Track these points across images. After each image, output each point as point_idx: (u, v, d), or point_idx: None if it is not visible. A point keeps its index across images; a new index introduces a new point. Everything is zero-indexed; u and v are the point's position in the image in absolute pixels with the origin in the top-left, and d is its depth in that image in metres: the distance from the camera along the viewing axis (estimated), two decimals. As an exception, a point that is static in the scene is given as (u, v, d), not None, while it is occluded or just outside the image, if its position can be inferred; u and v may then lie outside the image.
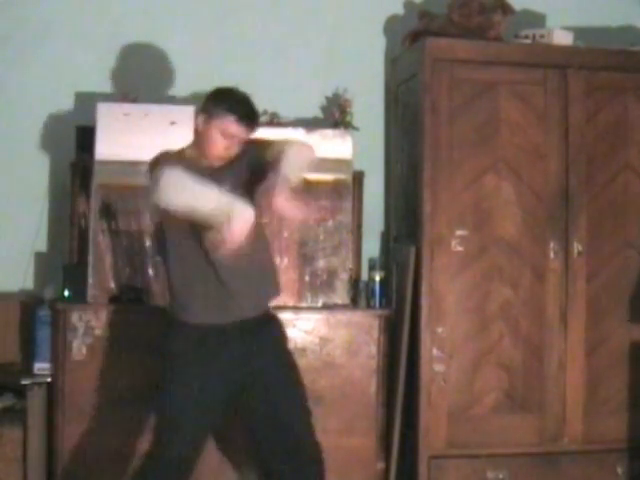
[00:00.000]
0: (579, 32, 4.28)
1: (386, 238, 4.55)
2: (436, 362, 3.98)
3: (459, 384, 4.02)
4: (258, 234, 3.00)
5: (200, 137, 3.14)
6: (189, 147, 3.20)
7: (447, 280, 4.01)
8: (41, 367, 3.88)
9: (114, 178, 3.97)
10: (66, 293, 3.95)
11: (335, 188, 4.14)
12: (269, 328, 3.25)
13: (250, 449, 3.40)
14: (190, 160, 3.10)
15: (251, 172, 3.08)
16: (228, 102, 3.10)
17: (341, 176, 4.14)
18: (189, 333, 3.13)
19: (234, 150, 3.10)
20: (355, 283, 4.18)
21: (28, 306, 4.07)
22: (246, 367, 3.15)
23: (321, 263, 4.10)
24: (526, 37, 4.20)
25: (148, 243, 3.98)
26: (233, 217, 2.77)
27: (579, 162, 4.12)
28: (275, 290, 3.31)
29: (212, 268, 3.05)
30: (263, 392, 3.18)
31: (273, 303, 3.33)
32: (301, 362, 3.92)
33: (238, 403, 3.23)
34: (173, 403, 3.12)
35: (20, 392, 3.88)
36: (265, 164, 3.01)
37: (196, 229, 2.96)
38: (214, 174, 3.02)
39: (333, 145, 4.12)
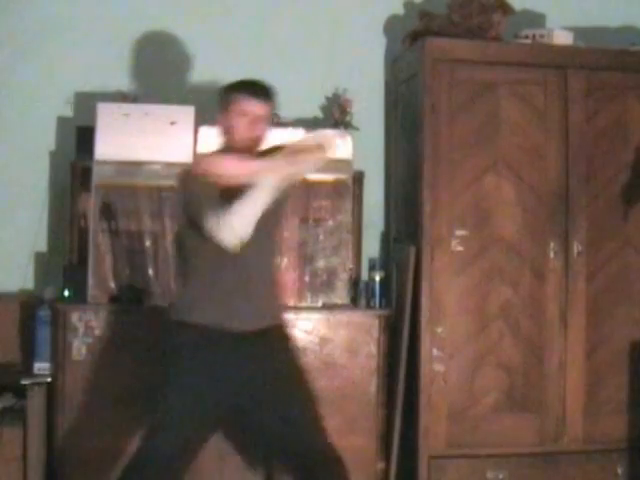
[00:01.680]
0: (579, 32, 4.28)
1: (386, 238, 4.55)
2: (436, 362, 3.98)
3: (459, 384, 4.02)
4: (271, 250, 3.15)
5: (225, 132, 3.16)
6: (219, 148, 3.19)
7: (447, 280, 4.01)
8: (41, 367, 3.88)
9: (114, 178, 3.97)
10: (66, 293, 3.95)
11: (335, 188, 4.14)
12: (275, 341, 3.19)
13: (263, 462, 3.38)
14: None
15: None
16: (236, 86, 3.17)
17: (341, 176, 4.13)
18: (193, 335, 3.10)
19: (260, 130, 3.12)
20: (355, 283, 4.18)
21: (28, 306, 4.07)
22: (245, 378, 3.11)
23: (321, 263, 4.10)
24: (526, 37, 4.20)
25: (148, 243, 3.98)
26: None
27: (579, 162, 4.12)
28: (279, 313, 3.28)
29: (231, 271, 3.07)
30: (265, 405, 3.13)
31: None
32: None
33: (241, 416, 3.20)
34: (168, 402, 3.11)
35: (20, 392, 3.88)
36: None
37: None
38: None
39: (333, 145, 4.12)
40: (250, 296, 3.11)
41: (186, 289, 3.20)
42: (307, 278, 4.10)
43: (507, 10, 4.14)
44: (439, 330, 3.99)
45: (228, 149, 3.15)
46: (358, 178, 4.25)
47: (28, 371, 3.90)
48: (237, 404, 3.14)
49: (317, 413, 3.21)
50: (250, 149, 3.12)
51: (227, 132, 3.16)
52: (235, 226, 2.93)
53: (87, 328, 3.83)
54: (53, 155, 4.34)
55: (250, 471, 3.89)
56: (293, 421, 3.14)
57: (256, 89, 3.15)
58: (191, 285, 3.16)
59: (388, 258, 4.41)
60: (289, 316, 3.92)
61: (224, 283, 3.09)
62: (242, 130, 3.11)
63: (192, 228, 3.07)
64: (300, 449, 3.14)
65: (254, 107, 3.11)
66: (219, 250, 2.99)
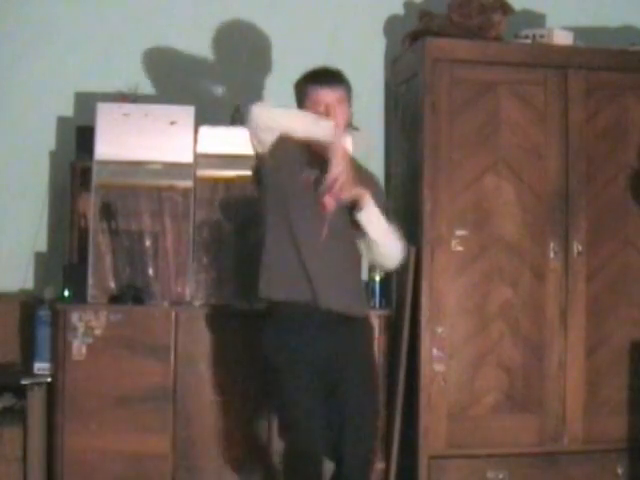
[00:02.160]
0: (579, 32, 4.28)
1: (386, 238, 4.54)
2: (436, 362, 3.98)
3: (459, 384, 4.02)
4: (349, 241, 3.16)
5: None
6: None
7: (447, 280, 4.01)
8: (41, 367, 3.89)
9: (114, 178, 3.97)
10: (66, 293, 3.95)
11: (335, 188, 4.13)
12: (353, 330, 3.21)
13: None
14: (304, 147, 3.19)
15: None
16: (304, 78, 3.25)
17: (341, 176, 4.12)
18: (278, 317, 3.15)
19: (339, 115, 3.17)
20: (355, 283, 4.18)
21: (28, 306, 4.07)
22: (329, 361, 3.14)
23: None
24: (526, 37, 4.20)
25: (148, 243, 3.98)
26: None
27: (579, 162, 4.12)
28: (361, 306, 3.29)
29: (295, 247, 3.11)
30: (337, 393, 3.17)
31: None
32: (301, 362, 3.93)
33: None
34: (281, 399, 3.17)
35: (20, 392, 3.89)
36: None
37: (290, 204, 3.11)
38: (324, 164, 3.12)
39: (333, 145, 4.11)
40: (330, 280, 3.13)
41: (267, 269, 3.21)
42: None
43: (507, 10, 4.14)
44: (439, 330, 3.99)
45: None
46: (358, 178, 4.24)
47: (28, 371, 3.91)
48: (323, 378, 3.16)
49: (376, 417, 3.27)
50: None
51: None
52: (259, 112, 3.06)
53: (87, 328, 3.83)
54: (53, 155, 4.35)
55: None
56: (353, 416, 3.15)
57: (323, 77, 3.21)
58: (272, 264, 3.19)
59: (388, 258, 4.40)
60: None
61: (299, 263, 3.12)
62: None
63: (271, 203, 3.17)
64: (347, 447, 3.15)
65: (326, 95, 3.17)
66: (297, 233, 3.10)
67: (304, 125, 3.08)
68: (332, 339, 3.14)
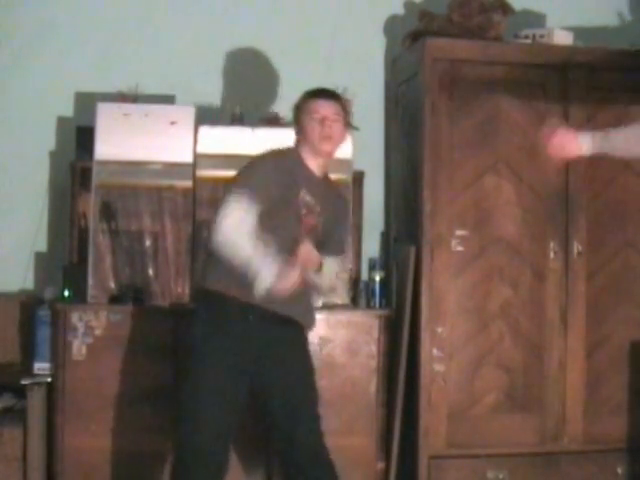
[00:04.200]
0: (579, 32, 4.28)
1: (386, 238, 4.55)
2: (436, 362, 3.98)
3: (459, 384, 4.02)
4: None
5: (301, 135, 3.28)
6: (295, 148, 3.31)
7: (447, 280, 4.01)
8: (41, 367, 3.89)
9: (114, 178, 3.97)
10: (66, 293, 3.95)
11: (335, 188, 4.13)
12: (294, 331, 3.26)
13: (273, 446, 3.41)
14: (293, 159, 3.26)
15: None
16: (305, 93, 3.33)
17: (341, 176, 4.12)
18: (215, 309, 3.17)
19: (333, 129, 3.23)
20: (355, 283, 4.18)
21: (28, 306, 4.07)
22: (264, 363, 3.17)
23: (321, 263, 4.09)
24: (526, 37, 4.20)
25: (148, 243, 3.98)
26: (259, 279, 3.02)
27: (579, 162, 4.11)
28: (311, 320, 3.36)
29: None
30: (278, 392, 3.22)
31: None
32: (301, 362, 3.93)
33: (258, 400, 3.25)
34: (190, 392, 3.17)
35: (20, 392, 3.89)
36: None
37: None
38: (309, 185, 3.22)
39: (333, 145, 4.11)
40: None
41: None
42: (307, 278, 4.09)
43: (507, 10, 4.15)
44: (439, 330, 3.99)
45: (308, 152, 3.26)
46: (358, 178, 4.25)
47: (28, 371, 3.91)
48: (254, 383, 3.20)
49: (318, 414, 3.26)
50: (326, 150, 3.25)
51: (303, 137, 3.26)
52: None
53: (87, 328, 3.83)
54: (53, 155, 4.35)
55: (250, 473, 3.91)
56: (296, 415, 3.19)
57: (321, 91, 3.31)
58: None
59: (388, 258, 4.41)
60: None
61: None
62: (316, 131, 3.22)
63: None
64: (295, 445, 3.18)
65: (322, 106, 3.24)
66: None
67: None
68: (267, 337, 3.16)
